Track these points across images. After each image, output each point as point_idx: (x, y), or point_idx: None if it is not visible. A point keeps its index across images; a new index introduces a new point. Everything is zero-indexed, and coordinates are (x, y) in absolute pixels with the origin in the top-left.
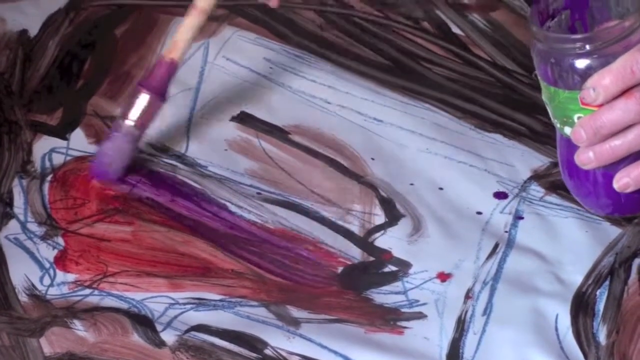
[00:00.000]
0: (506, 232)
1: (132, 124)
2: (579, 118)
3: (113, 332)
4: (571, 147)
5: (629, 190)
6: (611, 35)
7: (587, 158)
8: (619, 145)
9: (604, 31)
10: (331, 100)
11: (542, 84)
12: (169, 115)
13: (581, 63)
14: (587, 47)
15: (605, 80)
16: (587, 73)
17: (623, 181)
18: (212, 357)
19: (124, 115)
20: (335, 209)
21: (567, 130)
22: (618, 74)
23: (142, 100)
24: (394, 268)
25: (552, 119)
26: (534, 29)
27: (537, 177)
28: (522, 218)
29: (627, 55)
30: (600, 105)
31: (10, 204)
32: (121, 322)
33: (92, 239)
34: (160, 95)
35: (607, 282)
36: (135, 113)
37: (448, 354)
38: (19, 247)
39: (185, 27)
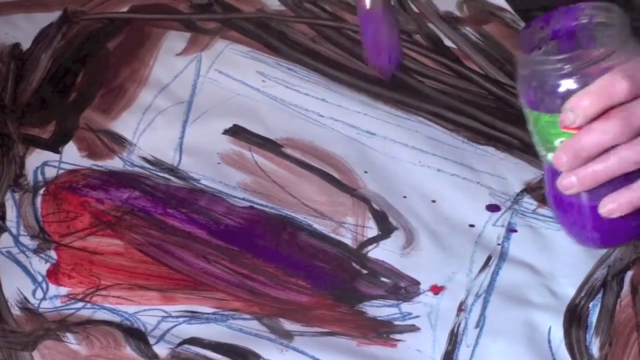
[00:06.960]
0: (499, 244)
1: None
2: (560, 142)
3: (106, 345)
4: (555, 175)
5: (614, 215)
6: (592, 57)
7: (570, 182)
8: (601, 169)
9: (584, 52)
10: (324, 113)
11: (525, 111)
12: (162, 128)
13: (562, 85)
14: (568, 67)
15: (584, 102)
16: (568, 95)
17: (608, 207)
18: None
19: None
20: (328, 222)
21: (550, 156)
22: (597, 95)
23: None
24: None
25: (536, 149)
26: (517, 55)
27: (529, 189)
28: (515, 231)
29: (606, 77)
30: (580, 128)
31: (2, 217)
32: (114, 335)
33: (85, 252)
34: None
35: (599, 295)
36: None
37: None
38: (11, 261)
39: None
